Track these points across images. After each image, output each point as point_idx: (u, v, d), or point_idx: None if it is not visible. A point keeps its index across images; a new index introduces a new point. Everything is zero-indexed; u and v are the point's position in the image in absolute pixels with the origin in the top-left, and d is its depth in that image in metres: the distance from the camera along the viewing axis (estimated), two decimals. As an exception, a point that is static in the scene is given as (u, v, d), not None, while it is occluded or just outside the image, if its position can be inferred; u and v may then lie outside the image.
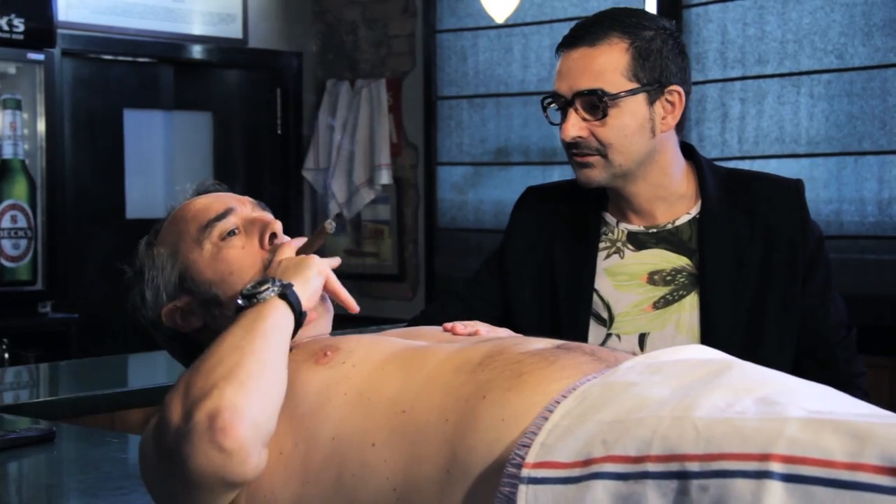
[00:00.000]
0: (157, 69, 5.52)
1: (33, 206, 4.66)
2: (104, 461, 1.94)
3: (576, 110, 1.76)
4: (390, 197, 5.62)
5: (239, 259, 1.41)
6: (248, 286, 1.29)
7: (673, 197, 1.84)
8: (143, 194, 5.49)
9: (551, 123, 1.84)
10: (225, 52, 5.61)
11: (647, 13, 1.84)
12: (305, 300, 1.30)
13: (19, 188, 4.64)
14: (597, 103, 1.74)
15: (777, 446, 0.92)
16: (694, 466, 0.95)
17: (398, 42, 5.63)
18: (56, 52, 4.78)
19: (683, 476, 0.95)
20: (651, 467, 0.97)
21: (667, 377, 1.09)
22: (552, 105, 1.82)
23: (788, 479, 0.91)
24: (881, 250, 4.23)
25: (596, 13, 1.83)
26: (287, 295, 1.27)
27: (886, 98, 4.18)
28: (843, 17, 4.27)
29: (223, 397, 1.14)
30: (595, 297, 1.84)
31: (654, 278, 1.82)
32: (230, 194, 1.51)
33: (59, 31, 4.78)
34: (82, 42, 5.10)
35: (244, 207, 1.47)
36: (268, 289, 1.27)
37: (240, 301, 1.28)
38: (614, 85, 1.74)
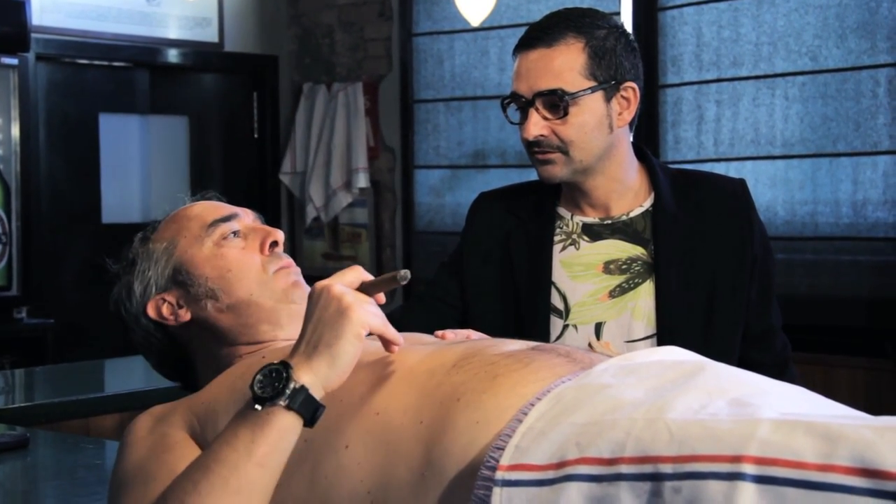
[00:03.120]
0: (132, 73, 5.50)
1: (8, 212, 4.63)
2: (79, 467, 1.94)
3: (536, 110, 1.81)
4: (367, 200, 5.62)
5: (238, 259, 1.41)
6: (261, 383, 1.13)
7: (627, 190, 1.90)
8: (118, 199, 5.46)
9: (511, 123, 1.88)
10: (201, 55, 5.60)
11: (598, 12, 1.88)
12: (329, 383, 1.15)
13: (-7, 193, 4.61)
14: (557, 102, 1.79)
15: (749, 448, 0.93)
16: (667, 468, 0.95)
17: (374, 45, 5.63)
18: (30, 56, 4.76)
19: (656, 478, 0.96)
20: (624, 469, 0.98)
21: (641, 378, 1.09)
22: (511, 105, 1.87)
23: (760, 480, 0.91)
24: (856, 251, 4.26)
25: (549, 14, 1.86)
26: (301, 412, 1.13)
27: (860, 100, 4.21)
28: (817, 20, 4.29)
29: None
30: (552, 289, 1.87)
31: (609, 267, 1.87)
32: (234, 206, 1.50)
33: (33, 35, 4.75)
34: (57, 46, 5.07)
35: (247, 217, 1.47)
36: (281, 395, 1.12)
37: (254, 401, 1.13)
38: (573, 84, 1.79)
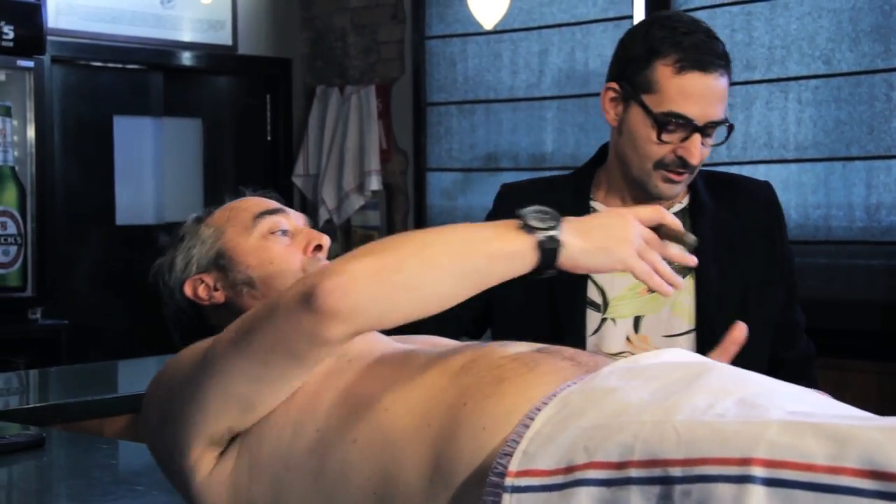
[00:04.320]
0: (146, 76, 5.52)
1: (23, 213, 4.66)
2: (94, 467, 1.95)
3: (702, 136, 1.79)
4: (380, 203, 5.63)
5: (281, 254, 1.42)
6: (535, 210, 1.17)
7: None
8: (132, 201, 5.48)
9: (660, 141, 1.79)
10: (214, 58, 5.62)
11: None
12: (572, 261, 1.17)
13: (9, 195, 4.63)
14: (720, 130, 1.81)
15: (758, 450, 0.93)
16: (676, 471, 0.96)
17: (387, 48, 5.64)
18: (46, 59, 4.78)
19: (666, 481, 0.96)
20: (634, 473, 0.98)
21: (646, 380, 1.10)
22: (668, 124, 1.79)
23: (770, 483, 0.91)
24: (869, 255, 4.24)
25: (706, 32, 1.80)
26: (545, 251, 1.16)
27: (874, 103, 4.20)
28: (831, 23, 4.29)
29: (346, 279, 1.11)
30: (590, 283, 1.87)
31: None
32: (286, 206, 1.52)
33: (49, 38, 4.78)
34: (72, 49, 5.10)
35: (298, 219, 1.49)
36: (540, 231, 1.16)
37: (515, 217, 1.18)
38: (725, 111, 1.81)
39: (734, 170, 4.41)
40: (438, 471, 1.12)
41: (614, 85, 1.84)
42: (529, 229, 1.16)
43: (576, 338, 1.82)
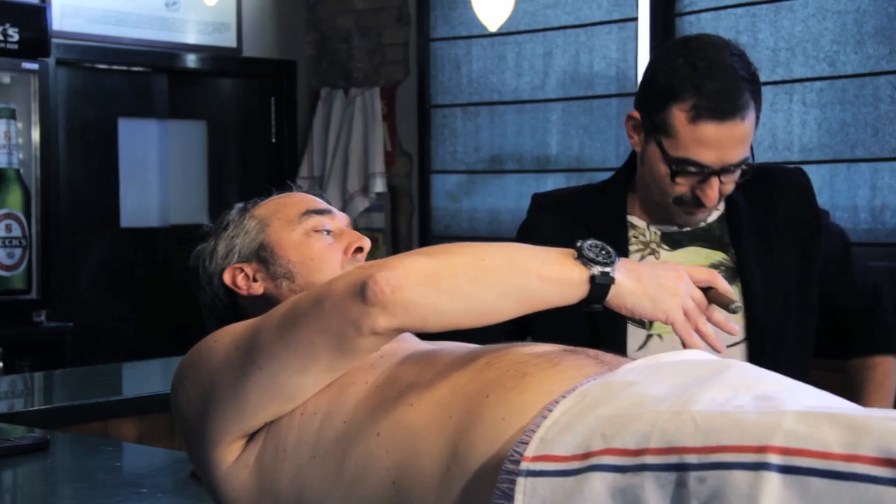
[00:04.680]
0: (151, 78, 5.52)
1: (28, 216, 4.66)
2: (98, 469, 1.95)
3: (719, 179, 1.76)
4: (385, 205, 5.63)
5: (322, 252, 1.44)
6: (593, 244, 1.20)
7: None
8: (137, 203, 5.49)
9: (670, 182, 1.77)
10: (219, 60, 5.62)
11: (735, 47, 1.80)
12: (619, 300, 1.21)
13: (14, 197, 4.64)
14: (742, 170, 1.77)
15: (774, 438, 0.93)
16: (692, 459, 0.96)
17: (392, 51, 5.65)
18: (50, 61, 4.79)
19: (682, 468, 0.97)
20: (649, 460, 0.99)
21: (666, 376, 1.11)
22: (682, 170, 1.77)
23: (785, 470, 0.92)
24: (874, 257, 4.24)
25: (726, 71, 1.74)
26: (596, 286, 1.19)
27: (878, 105, 4.19)
28: (835, 25, 4.28)
29: (401, 273, 1.13)
30: None
31: None
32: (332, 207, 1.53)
33: (54, 40, 4.78)
34: (77, 51, 5.10)
35: (342, 220, 1.50)
36: (596, 263, 1.19)
37: (574, 249, 1.20)
38: (748, 149, 1.77)
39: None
40: (455, 459, 1.14)
41: (636, 114, 1.81)
42: (585, 261, 1.18)
43: (617, 352, 1.80)
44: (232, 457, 1.29)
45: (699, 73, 1.72)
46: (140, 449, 2.26)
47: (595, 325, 1.85)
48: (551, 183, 5.13)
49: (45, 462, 2.00)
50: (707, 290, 1.28)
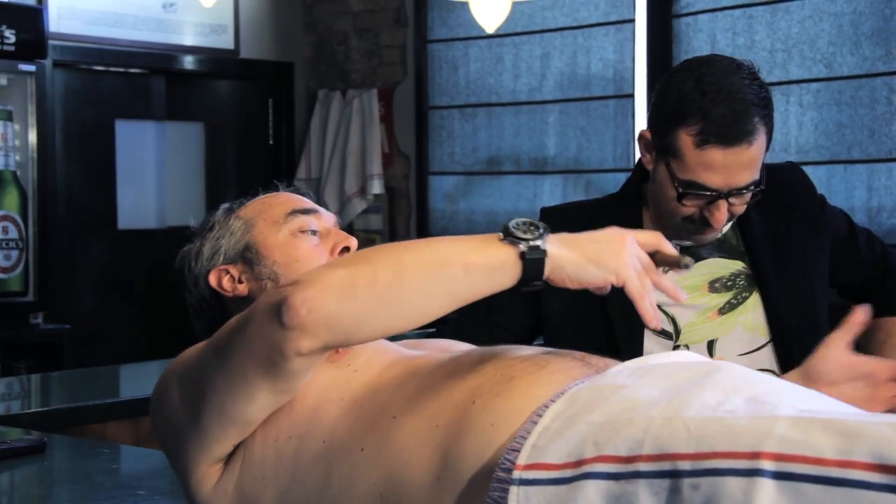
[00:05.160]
0: (148, 80, 5.52)
1: (25, 217, 4.66)
2: (95, 472, 1.95)
3: (728, 201, 1.76)
4: (382, 206, 5.63)
5: (308, 253, 1.42)
6: (521, 222, 1.15)
7: None
8: (134, 205, 5.49)
9: (682, 206, 1.77)
10: (216, 62, 5.62)
11: (753, 70, 1.81)
12: (558, 272, 1.14)
13: (10, 199, 4.64)
14: (750, 192, 1.77)
15: (767, 444, 0.93)
16: (685, 465, 0.96)
17: (389, 52, 5.65)
18: (47, 63, 4.79)
19: (675, 475, 0.97)
20: (643, 467, 0.98)
21: (655, 379, 1.10)
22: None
23: (779, 476, 0.92)
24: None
25: (733, 94, 1.74)
26: (528, 262, 1.12)
27: (875, 107, 4.20)
28: (832, 27, 4.29)
29: (315, 291, 1.10)
30: (658, 312, 1.85)
31: (715, 286, 1.87)
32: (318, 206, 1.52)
33: (51, 42, 4.78)
34: (74, 53, 5.10)
35: (328, 220, 1.48)
36: (524, 241, 1.13)
37: (501, 230, 1.14)
38: (758, 170, 1.77)
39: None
40: (445, 467, 1.13)
41: (647, 134, 1.82)
42: (513, 240, 1.13)
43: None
44: (210, 482, 1.28)
45: (707, 98, 1.72)
46: (137, 451, 2.26)
47: (614, 340, 1.84)
48: (549, 184, 5.13)
49: (41, 464, 2.00)
50: (654, 255, 1.21)
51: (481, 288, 1.14)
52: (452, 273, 1.12)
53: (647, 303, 1.17)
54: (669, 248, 1.21)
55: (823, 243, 1.91)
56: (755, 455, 0.93)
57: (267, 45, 5.79)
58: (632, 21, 4.81)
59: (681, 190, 1.75)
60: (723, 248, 1.89)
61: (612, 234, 1.18)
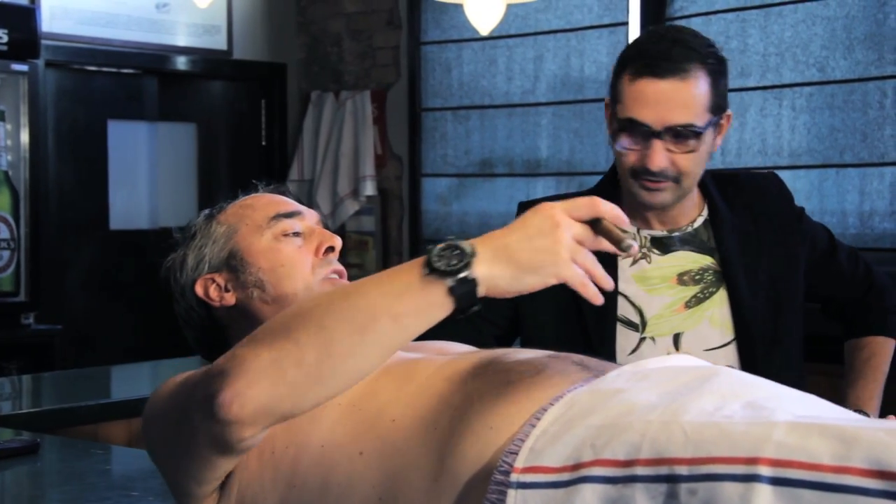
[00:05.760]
0: (141, 80, 5.51)
1: (16, 217, 4.65)
2: (88, 472, 1.94)
3: (663, 141, 1.78)
4: (375, 208, 5.63)
5: (292, 256, 1.41)
6: (444, 248, 1.07)
7: (693, 205, 1.92)
8: (126, 205, 5.48)
9: (621, 148, 1.82)
10: (209, 63, 5.62)
11: (702, 36, 1.85)
12: (496, 290, 1.08)
13: (2, 199, 4.63)
14: (688, 136, 1.78)
15: (765, 450, 0.93)
16: (683, 470, 0.96)
17: (383, 54, 5.65)
18: (40, 63, 4.78)
19: (672, 479, 0.97)
20: (640, 471, 0.98)
21: (654, 383, 1.10)
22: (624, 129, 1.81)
23: (776, 482, 0.92)
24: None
25: (667, 37, 1.80)
26: (460, 295, 1.06)
27: (867, 111, 4.21)
28: (825, 31, 4.30)
29: (242, 384, 1.08)
30: (625, 303, 1.88)
31: (683, 279, 1.89)
32: (301, 205, 1.50)
33: (43, 42, 4.77)
34: (66, 53, 5.09)
35: (311, 218, 1.47)
36: (451, 275, 1.06)
37: (425, 264, 1.07)
38: (701, 118, 1.78)
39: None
40: (444, 469, 1.12)
41: (606, 99, 1.89)
42: (438, 275, 1.06)
43: (608, 357, 1.81)
44: (210, 502, 1.28)
45: (648, 42, 1.81)
46: (130, 452, 2.25)
47: (585, 330, 1.86)
48: (541, 186, 5.13)
49: (34, 465, 2.00)
50: (596, 223, 1.10)
51: (414, 331, 1.09)
52: (381, 328, 1.07)
53: (590, 290, 1.10)
54: (610, 211, 1.10)
55: (797, 253, 1.93)
56: (752, 460, 0.93)
57: (260, 46, 5.79)
58: (625, 24, 4.81)
59: (620, 127, 1.79)
60: (693, 242, 1.90)
61: (544, 221, 1.08)
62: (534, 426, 1.07)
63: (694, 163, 1.80)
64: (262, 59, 5.80)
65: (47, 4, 4.92)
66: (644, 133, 1.78)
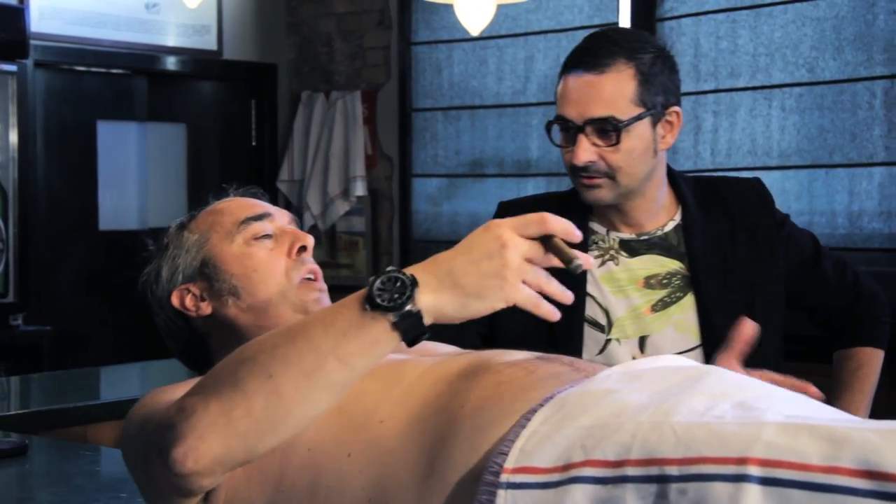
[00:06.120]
0: (130, 80, 5.50)
1: (5, 218, 4.63)
2: (77, 474, 1.94)
3: (586, 136, 1.80)
4: (365, 209, 5.63)
5: (265, 260, 1.40)
6: (385, 282, 1.05)
7: (661, 208, 1.91)
8: (116, 206, 5.46)
9: (555, 145, 1.87)
10: (199, 63, 5.61)
11: (642, 34, 1.89)
12: (443, 318, 1.06)
13: (-9, 200, 4.61)
14: (609, 130, 1.79)
15: (755, 450, 0.94)
16: (673, 470, 0.96)
17: (373, 54, 5.64)
18: (29, 63, 4.76)
19: (662, 480, 0.97)
20: (630, 471, 0.98)
21: (645, 384, 1.10)
22: (555, 126, 1.86)
23: (766, 482, 0.92)
24: (852, 262, 4.26)
25: (596, 35, 1.85)
26: (405, 328, 1.05)
27: (857, 111, 4.22)
28: (814, 32, 4.31)
29: (194, 439, 1.09)
30: (592, 304, 1.88)
31: (650, 282, 1.88)
32: (271, 205, 1.50)
33: (32, 42, 4.76)
34: (55, 53, 5.08)
35: (282, 218, 1.46)
36: (395, 311, 1.04)
37: (366, 300, 1.05)
38: (624, 112, 1.78)
39: (718, 177, 4.43)
40: (433, 471, 1.12)
41: None
42: (381, 311, 1.04)
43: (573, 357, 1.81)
44: None
45: (584, 41, 1.85)
46: (118, 453, 2.24)
47: (552, 329, 1.86)
48: (532, 187, 5.13)
49: (23, 467, 1.99)
50: (548, 240, 1.07)
51: (362, 368, 1.08)
52: (329, 370, 1.07)
53: (544, 309, 1.08)
54: (561, 227, 1.06)
55: (775, 260, 1.91)
56: (742, 461, 0.93)
57: (250, 47, 5.78)
58: (615, 24, 4.82)
59: (551, 124, 1.84)
60: (662, 246, 1.90)
61: (490, 243, 1.05)
62: (524, 427, 1.07)
63: (626, 158, 1.80)
64: (252, 59, 5.79)
65: (36, 4, 4.91)
66: (570, 129, 1.81)
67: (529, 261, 1.06)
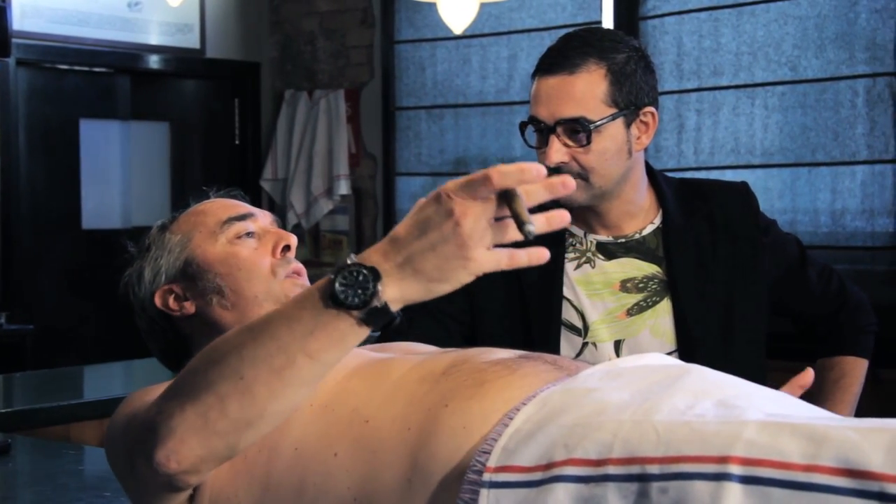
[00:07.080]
0: (113, 79, 5.48)
1: (-13, 217, 4.61)
2: (60, 473, 1.93)
3: (558, 136, 1.78)
4: (349, 207, 5.62)
5: (249, 259, 1.40)
6: (343, 283, 1.01)
7: (639, 210, 1.89)
8: (99, 205, 5.45)
9: (529, 146, 1.86)
10: (182, 62, 5.59)
11: (617, 34, 1.87)
12: (412, 301, 1.03)
13: (-27, 198, 4.59)
14: (579, 130, 1.77)
15: (735, 449, 0.94)
16: (654, 469, 0.97)
17: (356, 53, 5.64)
18: (11, 61, 4.74)
19: (643, 479, 0.97)
20: (612, 470, 0.99)
21: (626, 382, 1.11)
22: (528, 127, 1.85)
23: (746, 480, 0.92)
24: (834, 260, 4.28)
25: (568, 36, 1.84)
26: (372, 320, 1.03)
27: (839, 110, 4.24)
28: (797, 31, 4.33)
29: (174, 442, 1.10)
30: (569, 307, 1.87)
31: (626, 286, 1.87)
32: (253, 206, 1.49)
33: (14, 40, 4.74)
34: (38, 51, 5.06)
35: (264, 219, 1.46)
36: (360, 308, 1.02)
37: (330, 298, 1.03)
38: (595, 112, 1.77)
39: (701, 175, 4.45)
40: (417, 471, 1.12)
41: None
42: (346, 308, 1.02)
43: None
44: None
45: (556, 43, 1.83)
46: (103, 452, 2.24)
47: (529, 332, 1.86)
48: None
49: (5, 466, 1.98)
50: (509, 196, 1.00)
51: (333, 361, 1.07)
52: (299, 367, 1.05)
53: (519, 258, 1.02)
54: (509, 181, 0.99)
55: (758, 266, 1.90)
56: (723, 459, 0.94)
57: (233, 45, 5.77)
58: (598, 23, 4.83)
59: (524, 126, 1.83)
60: (639, 250, 1.88)
61: (442, 221, 0.99)
62: (507, 426, 1.07)
63: (599, 159, 1.78)
64: (235, 57, 5.78)
65: (18, 2, 4.89)
66: (542, 130, 1.80)
67: (489, 220, 1.00)
